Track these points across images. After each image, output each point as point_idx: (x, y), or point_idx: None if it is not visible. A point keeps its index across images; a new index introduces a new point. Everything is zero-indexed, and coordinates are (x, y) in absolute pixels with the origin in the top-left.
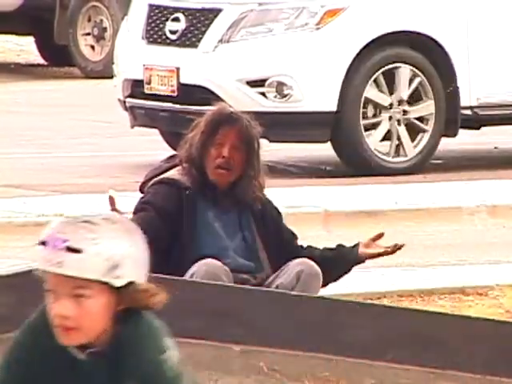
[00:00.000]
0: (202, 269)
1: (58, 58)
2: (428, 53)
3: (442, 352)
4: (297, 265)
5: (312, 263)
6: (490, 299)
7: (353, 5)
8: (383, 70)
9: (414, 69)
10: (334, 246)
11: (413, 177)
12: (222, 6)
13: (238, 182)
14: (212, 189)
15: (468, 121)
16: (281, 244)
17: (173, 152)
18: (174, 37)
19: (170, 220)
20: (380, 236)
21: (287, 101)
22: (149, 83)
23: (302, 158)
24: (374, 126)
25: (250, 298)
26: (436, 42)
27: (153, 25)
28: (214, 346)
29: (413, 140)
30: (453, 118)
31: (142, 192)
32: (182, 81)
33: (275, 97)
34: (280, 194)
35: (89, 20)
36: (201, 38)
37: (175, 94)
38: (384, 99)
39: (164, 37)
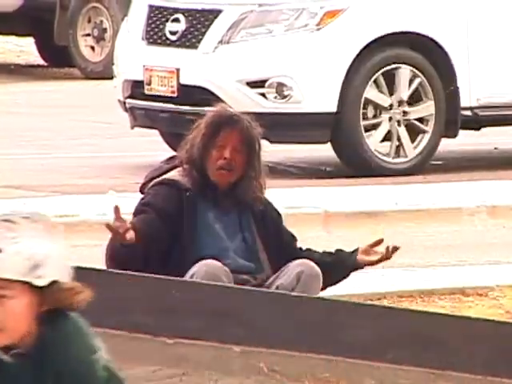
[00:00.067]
0: (202, 269)
1: (58, 58)
2: (428, 53)
3: (442, 352)
4: (297, 266)
5: (312, 264)
6: (490, 300)
7: (353, 6)
8: (383, 70)
9: (414, 69)
10: (333, 249)
11: (413, 177)
12: (222, 6)
13: (239, 182)
14: (213, 190)
15: (468, 121)
16: (281, 245)
17: (173, 153)
18: (174, 38)
19: (171, 221)
20: (379, 242)
21: (287, 102)
22: (149, 84)
23: (302, 159)
24: (374, 126)
25: (250, 299)
26: (436, 42)
27: (153, 26)
28: (214, 346)
29: (413, 141)
30: (453, 119)
31: (142, 193)
32: (182, 82)
33: (275, 98)
34: (280, 195)
35: (89, 21)
36: (201, 39)
37: (175, 95)
38: (384, 100)
39: (164, 38)
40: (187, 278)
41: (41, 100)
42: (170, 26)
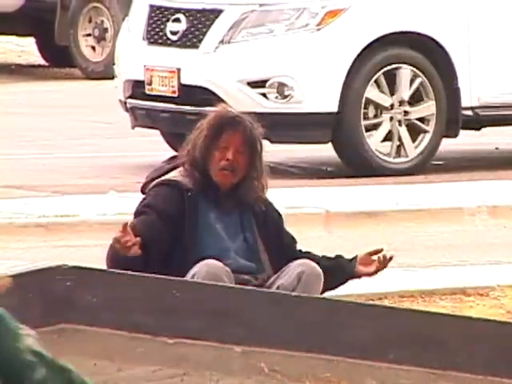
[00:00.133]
0: (203, 269)
1: (59, 58)
2: (429, 53)
3: (443, 352)
4: (298, 266)
5: (313, 264)
6: (491, 300)
7: (354, 5)
8: (384, 70)
9: (415, 69)
10: (333, 254)
11: (414, 177)
12: (222, 6)
13: (241, 183)
14: (214, 190)
15: (469, 121)
16: (281, 246)
17: (174, 153)
18: (174, 37)
19: (172, 222)
20: (378, 251)
21: (288, 102)
22: (150, 84)
23: (303, 159)
24: (375, 126)
25: (250, 299)
26: (437, 42)
27: (154, 25)
28: (214, 346)
29: (414, 141)
30: (454, 119)
31: (143, 193)
32: (183, 81)
33: (276, 98)
34: (281, 195)
35: (90, 21)
36: (202, 39)
37: (176, 95)
38: (385, 100)
39: (165, 37)
40: (188, 278)
41: (41, 100)
42: (170, 26)
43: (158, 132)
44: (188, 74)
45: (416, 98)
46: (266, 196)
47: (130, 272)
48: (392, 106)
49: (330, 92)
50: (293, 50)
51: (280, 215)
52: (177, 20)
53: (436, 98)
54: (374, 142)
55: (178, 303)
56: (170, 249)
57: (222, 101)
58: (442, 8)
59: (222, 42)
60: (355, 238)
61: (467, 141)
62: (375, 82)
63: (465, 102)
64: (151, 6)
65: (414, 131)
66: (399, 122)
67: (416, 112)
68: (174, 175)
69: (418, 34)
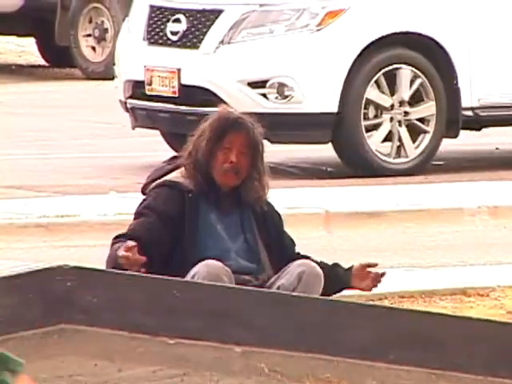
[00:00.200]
0: (204, 270)
1: (59, 59)
2: (429, 54)
3: (444, 353)
4: (298, 266)
5: (314, 264)
6: (492, 300)
7: (354, 6)
8: (384, 71)
9: (415, 70)
10: (330, 262)
11: (414, 178)
12: (223, 7)
13: (242, 183)
14: (216, 191)
15: (469, 122)
16: (281, 247)
17: (174, 153)
18: (175, 38)
19: (172, 224)
20: (373, 265)
21: (288, 102)
22: (150, 84)
23: (303, 159)
24: (375, 127)
25: (250, 299)
26: (437, 43)
27: (154, 26)
28: (214, 346)
29: (414, 141)
30: (454, 119)
31: (143, 194)
32: (183, 82)
33: (276, 98)
34: (281, 195)
35: (90, 21)
36: (202, 39)
37: (176, 95)
38: (385, 100)
39: (165, 38)
40: (188, 278)
41: (42, 100)
42: (171, 27)
43: (158, 132)
44: (188, 75)
45: (416, 99)
46: (266, 196)
47: (130, 272)
48: (392, 106)
49: (330, 92)
50: (293, 50)
51: (280, 216)
52: (177, 20)
53: (436, 98)
54: (374, 142)
55: (178, 303)
56: (170, 250)
57: (222, 101)
58: (443, 8)
59: (222, 42)
60: (355, 239)
61: (467, 141)
62: (375, 82)
63: (465, 103)
64: (151, 7)
65: (414, 131)
66: (399, 122)
67: (416, 112)
68: (174, 176)
69: (419, 34)
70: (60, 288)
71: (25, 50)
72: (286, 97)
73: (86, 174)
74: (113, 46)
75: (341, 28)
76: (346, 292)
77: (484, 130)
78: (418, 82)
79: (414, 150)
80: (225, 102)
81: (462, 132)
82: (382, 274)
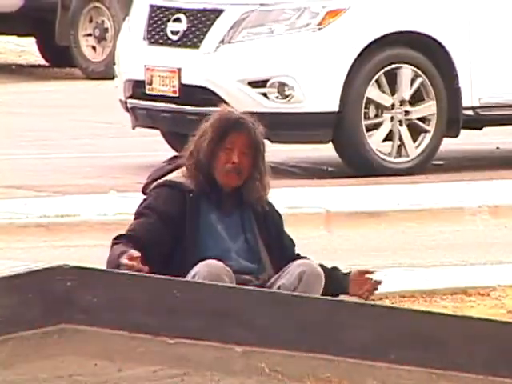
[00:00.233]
0: (204, 270)
1: (60, 58)
2: (430, 53)
3: (444, 352)
4: (299, 266)
5: (314, 264)
6: (492, 300)
7: (354, 5)
8: (385, 70)
9: (416, 69)
10: (329, 265)
11: (414, 177)
12: (223, 6)
13: (244, 184)
14: (217, 192)
15: (470, 121)
16: (281, 247)
17: (174, 153)
18: (175, 37)
19: (173, 224)
20: (370, 272)
21: (289, 101)
22: (150, 84)
23: (304, 159)
24: (376, 126)
25: (251, 299)
26: (438, 42)
27: (154, 25)
28: (215, 346)
29: (414, 140)
30: (455, 119)
31: (144, 193)
32: (184, 81)
33: (277, 97)
34: (282, 195)
35: (90, 21)
36: (202, 39)
37: (177, 95)
38: (386, 100)
39: (165, 37)
40: (189, 278)
41: (42, 100)
42: (171, 26)
43: (158, 132)
44: (188, 74)
45: (417, 98)
46: (267, 196)
47: (130, 272)
48: (393, 105)
49: (330, 92)
50: (293, 49)
51: (280, 216)
52: (177, 20)
53: (437, 97)
54: (375, 141)
55: (178, 303)
56: (170, 250)
57: (223, 101)
58: (443, 8)
59: (222, 41)
60: (356, 238)
61: (468, 141)
62: (376, 81)
63: (466, 102)
64: (152, 6)
65: (415, 131)
66: (400, 121)
67: (417, 112)
68: (175, 176)
69: (419, 33)
70: (60, 288)
71: (25, 49)
72: (287, 96)
73: (86, 173)
74: (113, 46)
75: (341, 27)
76: None
77: (485, 130)
78: (418, 81)
79: (414, 150)
80: (225, 102)
81: (462, 131)
82: (379, 282)
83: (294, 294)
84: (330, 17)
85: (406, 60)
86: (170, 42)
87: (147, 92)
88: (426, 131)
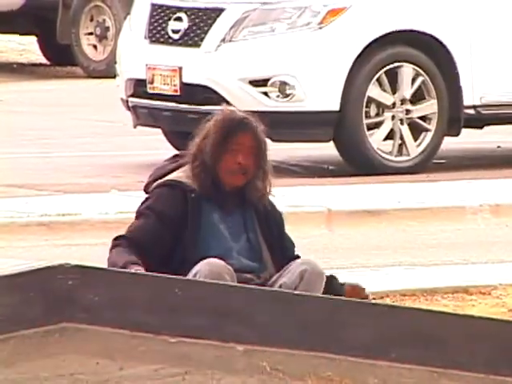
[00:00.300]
0: (206, 268)
1: (61, 57)
2: (431, 52)
3: (445, 351)
4: (300, 264)
5: (316, 263)
6: (493, 298)
7: (355, 4)
8: (386, 69)
9: (417, 68)
10: (327, 273)
11: (416, 176)
12: (224, 5)
13: (247, 183)
14: (220, 191)
15: (471, 120)
16: (282, 247)
17: (176, 151)
18: (176, 36)
19: (174, 225)
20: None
21: (290, 100)
22: (151, 83)
23: (305, 158)
24: (377, 125)
25: (252, 298)
26: (439, 41)
27: (155, 24)
28: (216, 345)
29: (416, 139)
30: (456, 117)
31: (146, 192)
32: (185, 80)
33: (278, 96)
34: (283, 194)
35: (91, 19)
36: (203, 38)
37: (178, 94)
38: (387, 98)
39: (166, 36)
40: (190, 276)
41: (43, 99)
42: (172, 25)
43: (159, 131)
44: (190, 73)
45: (418, 97)
46: (270, 195)
47: (131, 271)
48: (394, 104)
49: (331, 90)
50: (294, 48)
51: (281, 215)
52: (178, 19)
53: (438, 96)
54: (376, 140)
55: (179, 302)
56: (171, 250)
57: (224, 99)
58: (444, 6)
59: (223, 40)
60: (357, 237)
61: (469, 139)
62: (377, 80)
63: (467, 101)
64: (153, 5)
65: (416, 130)
66: (401, 120)
67: (418, 110)
68: (177, 175)
69: (420, 32)
70: (61, 286)
71: (26, 48)
72: (288, 95)
73: (88, 172)
74: (114, 45)
75: (342, 26)
76: None
77: (486, 128)
78: (419, 80)
79: (415, 149)
80: (226, 101)
81: (463, 130)
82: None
83: (296, 292)
84: (331, 16)
85: (407, 59)
86: (171, 40)
87: (148, 91)
88: (427, 130)
